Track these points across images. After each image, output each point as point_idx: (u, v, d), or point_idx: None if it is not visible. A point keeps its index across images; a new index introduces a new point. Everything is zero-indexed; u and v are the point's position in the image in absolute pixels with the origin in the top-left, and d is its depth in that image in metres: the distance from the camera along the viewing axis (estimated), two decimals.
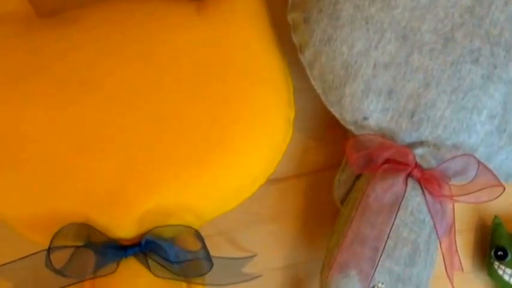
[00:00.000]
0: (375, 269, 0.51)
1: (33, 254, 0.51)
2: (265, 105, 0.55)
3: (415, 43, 0.54)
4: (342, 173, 0.60)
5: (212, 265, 0.51)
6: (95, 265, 0.51)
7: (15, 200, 0.52)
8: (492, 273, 0.61)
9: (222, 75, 0.54)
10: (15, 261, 0.51)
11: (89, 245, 0.51)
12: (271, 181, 0.60)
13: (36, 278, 0.51)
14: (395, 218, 0.52)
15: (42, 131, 0.51)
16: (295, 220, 0.63)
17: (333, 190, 0.60)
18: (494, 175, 0.53)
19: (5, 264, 0.51)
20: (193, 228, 0.52)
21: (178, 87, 0.53)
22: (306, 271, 0.63)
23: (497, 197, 0.53)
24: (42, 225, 0.52)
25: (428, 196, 0.54)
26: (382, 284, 0.52)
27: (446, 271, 0.55)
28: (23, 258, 0.51)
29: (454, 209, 0.56)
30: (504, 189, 0.53)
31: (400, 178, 0.54)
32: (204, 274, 0.52)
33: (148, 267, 0.51)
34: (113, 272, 0.51)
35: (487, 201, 0.54)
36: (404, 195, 0.53)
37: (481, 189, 0.53)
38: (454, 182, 0.55)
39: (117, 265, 0.51)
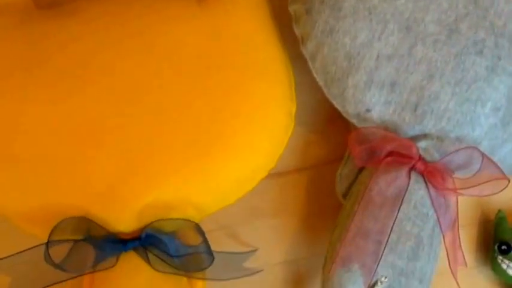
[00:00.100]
0: (378, 263, 0.51)
1: (31, 248, 0.50)
2: (266, 98, 0.55)
3: (418, 34, 0.54)
4: (344, 167, 0.59)
5: (213, 259, 0.51)
6: (94, 259, 0.50)
7: (14, 194, 0.52)
8: (496, 268, 0.61)
9: (223, 67, 0.53)
10: (13, 255, 0.50)
11: (88, 238, 0.51)
12: (272, 175, 0.59)
13: (35, 273, 0.50)
14: (398, 212, 0.52)
15: (41, 123, 0.51)
16: (297, 215, 0.63)
17: (335, 184, 0.59)
18: (498, 168, 0.52)
19: (3, 258, 0.50)
20: (193, 222, 0.52)
21: (178, 79, 0.52)
22: (308, 266, 0.62)
23: (501, 190, 0.53)
24: (41, 219, 0.51)
25: (431, 189, 0.53)
26: (385, 278, 0.51)
27: (449, 266, 0.55)
28: (21, 252, 0.50)
29: (457, 202, 0.55)
30: (509, 182, 0.52)
31: (403, 171, 0.53)
32: (205, 268, 0.52)
33: (148, 261, 0.51)
34: (112, 266, 0.50)
35: (491, 195, 0.53)
36: (407, 188, 0.53)
37: (485, 183, 0.52)
38: (457, 175, 0.55)
39: (117, 259, 0.51)
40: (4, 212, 0.52)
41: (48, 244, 0.49)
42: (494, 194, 0.53)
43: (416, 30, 0.54)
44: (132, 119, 0.51)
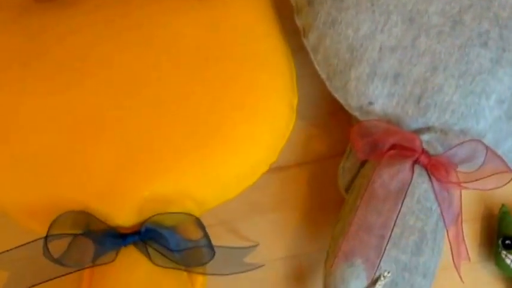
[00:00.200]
0: (381, 258, 0.50)
1: (30, 242, 0.49)
2: (267, 90, 0.54)
3: (422, 26, 0.53)
4: (346, 160, 0.59)
5: (214, 253, 0.50)
6: (93, 254, 0.50)
7: (12, 188, 0.51)
8: (500, 263, 0.60)
9: (222, 59, 0.53)
10: (11, 249, 0.50)
11: (88, 233, 0.50)
12: (273, 170, 0.59)
13: (34, 267, 0.50)
14: (401, 206, 0.51)
15: (39, 116, 0.50)
16: (298, 209, 0.62)
17: (337, 178, 0.59)
18: (503, 161, 0.52)
19: (1, 253, 0.50)
20: (194, 216, 0.51)
21: (178, 71, 0.52)
22: (309, 261, 0.62)
23: (505, 184, 0.52)
24: (40, 213, 0.51)
25: (435, 183, 0.53)
26: (388, 273, 0.50)
27: (453, 261, 0.54)
28: (19, 246, 0.50)
29: (461, 197, 0.54)
30: None
31: (407, 164, 0.52)
32: (206, 263, 0.51)
33: (148, 255, 0.50)
34: (112, 261, 0.50)
35: (495, 188, 0.52)
36: (410, 182, 0.52)
37: (489, 176, 0.52)
38: (461, 169, 0.54)
39: (116, 254, 0.50)
40: (2, 207, 0.52)
41: (46, 238, 0.48)
42: (499, 187, 0.52)
43: (420, 21, 0.53)
44: (131, 111, 0.51)
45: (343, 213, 0.55)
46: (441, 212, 0.53)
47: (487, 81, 0.53)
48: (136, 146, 0.50)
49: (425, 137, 0.53)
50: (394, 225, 0.50)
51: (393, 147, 0.53)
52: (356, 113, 0.56)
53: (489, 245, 0.62)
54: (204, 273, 0.54)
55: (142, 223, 0.51)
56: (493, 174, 0.52)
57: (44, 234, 0.48)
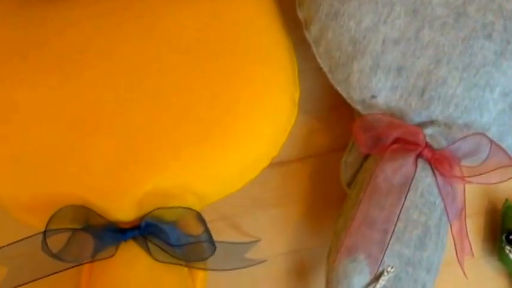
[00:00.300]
0: (384, 253, 0.50)
1: (28, 237, 0.49)
2: (269, 83, 0.53)
3: (425, 17, 0.53)
4: (348, 155, 0.58)
5: (215, 248, 0.50)
6: (93, 249, 0.49)
7: (10, 182, 0.50)
8: (503, 258, 0.60)
9: (224, 52, 0.52)
10: (9, 245, 0.49)
11: (87, 228, 0.50)
12: (275, 164, 0.59)
13: (32, 263, 0.49)
14: (405, 200, 0.50)
15: (38, 109, 0.50)
16: (300, 204, 0.62)
17: (339, 172, 0.58)
18: (507, 155, 0.51)
19: None
20: (194, 211, 0.51)
21: (178, 63, 0.51)
22: (311, 257, 0.61)
23: (510, 178, 0.51)
24: (39, 208, 0.50)
25: (439, 177, 0.52)
26: (392, 268, 0.50)
27: (456, 256, 0.54)
28: (17, 241, 0.49)
29: (464, 191, 0.54)
30: None
31: (410, 158, 0.52)
32: (207, 258, 0.51)
33: (148, 251, 0.50)
34: (111, 256, 0.49)
35: (499, 182, 0.52)
36: (414, 176, 0.51)
37: (493, 170, 0.51)
38: (465, 163, 0.54)
39: (116, 249, 0.50)
40: (0, 202, 0.51)
41: (45, 233, 0.47)
42: (503, 181, 0.52)
43: (424, 13, 0.53)
44: (130, 104, 0.50)
45: (346, 208, 0.54)
46: (445, 207, 0.52)
47: (491, 73, 0.52)
48: (136, 140, 0.50)
49: (428, 130, 0.53)
50: (398, 219, 0.50)
51: (396, 141, 0.53)
52: (358, 107, 0.55)
53: (493, 240, 0.62)
54: (204, 269, 0.53)
55: (142, 218, 0.50)
56: (497, 168, 0.51)
57: (43, 230, 0.48)
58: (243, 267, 0.55)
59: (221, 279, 0.55)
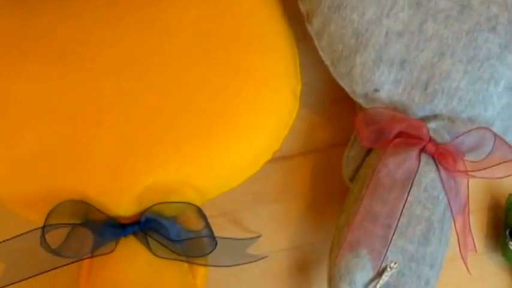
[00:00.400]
0: (387, 248, 0.49)
1: (26, 232, 0.48)
2: (270, 75, 0.53)
3: (429, 10, 0.52)
4: (350, 149, 0.57)
5: (216, 244, 0.49)
6: (92, 244, 0.49)
7: (9, 177, 0.50)
8: (506, 254, 0.60)
9: (225, 43, 0.52)
10: (7, 240, 0.49)
11: (86, 223, 0.49)
12: (276, 159, 0.58)
13: (31, 259, 0.49)
14: (408, 195, 0.50)
15: (38, 102, 0.49)
16: (302, 200, 0.61)
17: (341, 167, 0.58)
18: (511, 149, 0.51)
19: None
20: (195, 206, 0.50)
21: (179, 55, 0.51)
22: (313, 252, 0.61)
23: None
24: (38, 203, 0.49)
25: (442, 172, 0.52)
26: (395, 263, 0.49)
27: (460, 252, 0.53)
28: (16, 237, 0.49)
29: (468, 186, 0.53)
30: None
31: (413, 153, 0.51)
32: (207, 254, 0.50)
33: (148, 246, 0.49)
34: (111, 252, 0.49)
35: (503, 177, 0.52)
36: (417, 170, 0.51)
37: (497, 164, 0.51)
38: (469, 157, 0.53)
39: (116, 244, 0.49)
40: None
41: (44, 228, 0.47)
42: (507, 176, 0.51)
43: (427, 5, 0.52)
44: (131, 97, 0.49)
45: (348, 203, 0.54)
46: (448, 202, 0.52)
47: (496, 67, 0.52)
48: (136, 134, 0.49)
49: (432, 124, 0.52)
50: (401, 214, 0.49)
51: (399, 135, 0.52)
52: (361, 100, 0.55)
53: (496, 236, 0.62)
54: (205, 265, 0.53)
55: (142, 213, 0.50)
56: (502, 163, 0.51)
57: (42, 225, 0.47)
58: (244, 263, 0.54)
59: (222, 275, 0.55)
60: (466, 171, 0.52)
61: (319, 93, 0.63)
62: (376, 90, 0.53)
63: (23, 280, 0.49)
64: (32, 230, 0.48)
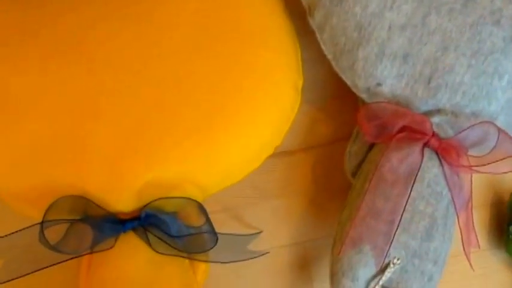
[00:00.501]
0: (390, 244, 0.48)
1: (25, 228, 0.48)
2: (271, 69, 0.52)
3: (432, 3, 0.51)
4: (353, 144, 0.57)
5: (217, 240, 0.49)
6: (92, 240, 0.48)
7: (8, 172, 0.49)
8: (510, 250, 0.60)
9: (224, 36, 0.51)
10: (5, 236, 0.48)
11: (86, 219, 0.49)
12: (278, 154, 0.58)
13: (29, 255, 0.48)
14: (411, 190, 0.49)
15: (36, 96, 0.49)
16: (304, 195, 0.61)
17: (343, 163, 0.57)
18: None
19: None
20: (196, 201, 0.50)
21: (179, 49, 0.50)
22: (315, 248, 0.60)
23: None
24: (37, 199, 0.49)
25: (446, 167, 0.51)
26: (398, 259, 0.49)
27: (463, 248, 0.53)
28: (14, 233, 0.48)
29: (471, 182, 0.53)
30: None
31: (417, 148, 0.51)
32: (208, 250, 0.50)
33: (148, 242, 0.49)
34: (110, 247, 0.48)
35: (507, 172, 0.51)
36: (420, 166, 0.50)
37: (501, 159, 0.50)
38: (472, 152, 0.53)
39: (115, 240, 0.49)
40: None
41: (42, 224, 0.46)
42: (511, 171, 0.51)
43: None
44: (130, 91, 0.49)
45: (350, 198, 0.53)
46: (452, 197, 0.51)
47: (500, 61, 0.51)
48: (136, 128, 0.49)
49: (435, 119, 0.52)
50: (404, 210, 0.49)
51: (402, 129, 0.52)
52: (363, 95, 0.54)
53: (499, 232, 0.61)
54: (206, 261, 0.52)
55: (142, 208, 0.49)
56: (506, 158, 0.50)
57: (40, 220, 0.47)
58: (245, 260, 0.54)
59: (222, 272, 0.55)
60: (469, 166, 0.52)
61: (320, 88, 0.63)
62: (378, 84, 0.53)
63: (22, 276, 0.48)
64: (30, 226, 0.47)
